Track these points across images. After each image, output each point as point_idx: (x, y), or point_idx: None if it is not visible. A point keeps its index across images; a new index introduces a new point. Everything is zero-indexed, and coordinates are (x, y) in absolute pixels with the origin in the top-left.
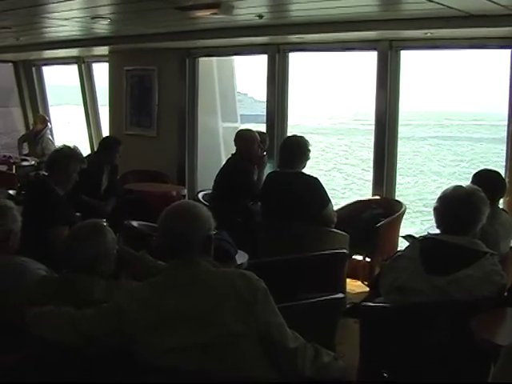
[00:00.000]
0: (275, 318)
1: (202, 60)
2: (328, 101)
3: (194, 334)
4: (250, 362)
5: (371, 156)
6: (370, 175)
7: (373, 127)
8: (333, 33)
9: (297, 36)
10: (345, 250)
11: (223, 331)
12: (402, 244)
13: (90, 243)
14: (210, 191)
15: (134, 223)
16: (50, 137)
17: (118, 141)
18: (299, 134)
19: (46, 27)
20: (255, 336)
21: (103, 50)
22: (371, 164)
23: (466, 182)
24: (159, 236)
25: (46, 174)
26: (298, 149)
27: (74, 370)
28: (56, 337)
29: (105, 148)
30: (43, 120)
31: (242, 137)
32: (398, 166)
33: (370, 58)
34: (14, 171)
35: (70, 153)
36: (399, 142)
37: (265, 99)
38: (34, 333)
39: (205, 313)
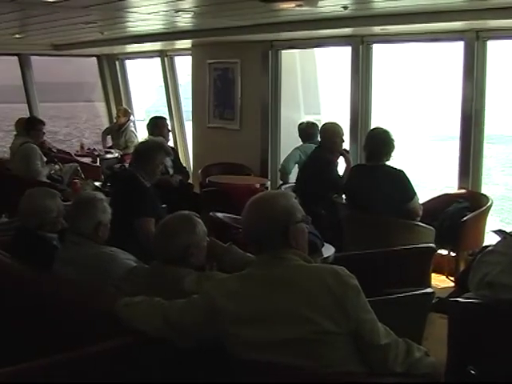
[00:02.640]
0: (366, 315)
1: (285, 52)
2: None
3: (283, 329)
4: (341, 359)
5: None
6: None
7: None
8: (418, 24)
9: (381, 27)
10: (432, 245)
11: (314, 328)
12: (489, 238)
13: (181, 235)
14: (293, 184)
15: (219, 215)
16: (134, 129)
17: (161, 117)
18: (383, 127)
19: (130, 21)
20: (346, 333)
21: (186, 43)
22: None
23: None
24: (243, 229)
25: (133, 166)
26: (382, 141)
27: (163, 360)
28: (146, 327)
29: (153, 127)
30: (125, 113)
31: (326, 130)
32: None
33: (454, 49)
34: (98, 163)
35: (156, 145)
36: None
37: None
38: (123, 323)
39: (294, 309)
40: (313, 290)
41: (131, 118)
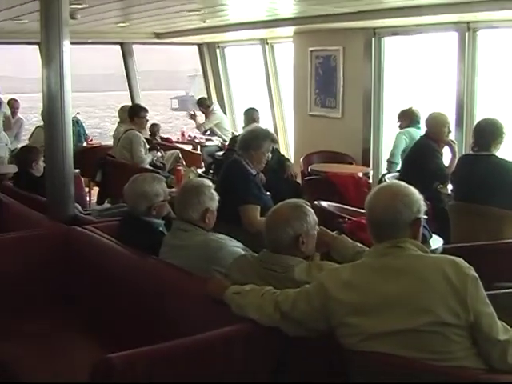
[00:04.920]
0: (485, 308)
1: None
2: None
3: (400, 320)
4: (458, 353)
5: None
6: None
7: None
8: None
9: (487, 13)
10: None
11: (432, 320)
12: None
13: (292, 224)
14: (396, 173)
15: (324, 204)
16: (217, 112)
17: (253, 108)
18: (494, 117)
19: (232, 9)
20: (464, 326)
21: (287, 30)
22: None
23: None
24: (369, 214)
25: (239, 153)
26: (492, 131)
27: (274, 349)
28: (257, 316)
29: (245, 117)
30: (201, 103)
31: (433, 119)
32: None
33: None
34: (198, 151)
35: (263, 133)
36: None
37: None
38: (234, 311)
39: (412, 299)
40: (432, 281)
41: (213, 104)
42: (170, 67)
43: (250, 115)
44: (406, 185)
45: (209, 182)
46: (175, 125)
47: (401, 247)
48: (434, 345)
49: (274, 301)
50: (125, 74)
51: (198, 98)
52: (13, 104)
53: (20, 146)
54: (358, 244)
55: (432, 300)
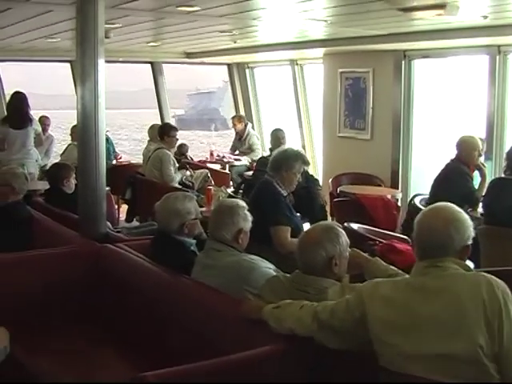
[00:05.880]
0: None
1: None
2: None
3: (436, 343)
4: (489, 379)
5: None
6: None
7: None
8: None
9: None
10: None
11: (469, 343)
12: None
13: (325, 245)
14: (426, 196)
15: (354, 226)
16: (255, 132)
17: (279, 129)
18: None
19: (264, 30)
20: (492, 351)
21: (317, 52)
22: None
23: None
24: (414, 237)
25: (270, 174)
26: None
27: (308, 369)
28: (296, 326)
29: (272, 139)
30: (240, 119)
31: (464, 142)
32: None
33: None
34: (227, 170)
35: (294, 154)
36: None
37: None
38: (272, 324)
39: (450, 322)
40: (469, 303)
41: (248, 124)
42: (169, 85)
43: (276, 136)
44: (459, 209)
45: (243, 203)
46: None
47: (439, 266)
48: (469, 371)
49: (313, 311)
50: (155, 92)
51: (232, 115)
52: (44, 121)
53: (50, 162)
54: (391, 266)
55: (470, 323)
